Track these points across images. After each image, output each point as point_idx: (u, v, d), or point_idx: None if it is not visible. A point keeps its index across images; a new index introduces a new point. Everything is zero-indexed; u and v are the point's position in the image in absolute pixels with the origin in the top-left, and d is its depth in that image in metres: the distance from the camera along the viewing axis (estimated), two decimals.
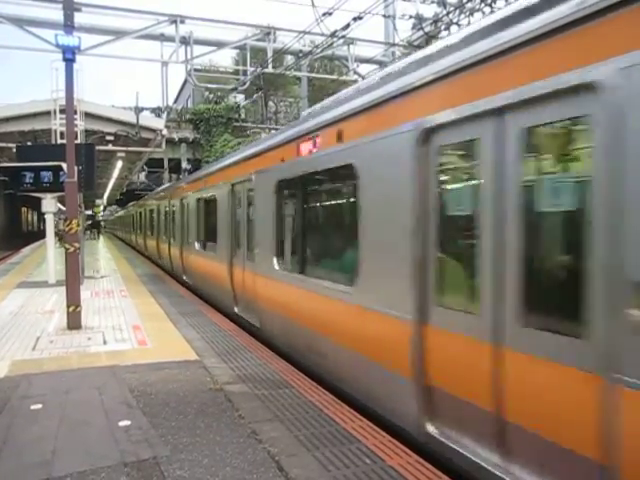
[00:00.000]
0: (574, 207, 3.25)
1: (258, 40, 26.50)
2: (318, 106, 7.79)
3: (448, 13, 15.55)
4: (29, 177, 13.80)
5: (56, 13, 20.65)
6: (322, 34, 17.50)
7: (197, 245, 13.57)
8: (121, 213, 57.79)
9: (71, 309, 9.00)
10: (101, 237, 51.71)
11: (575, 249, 3.18)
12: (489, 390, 3.65)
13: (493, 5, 13.73)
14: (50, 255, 14.91)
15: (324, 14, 15.35)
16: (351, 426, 4.77)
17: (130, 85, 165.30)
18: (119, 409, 5.26)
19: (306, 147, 6.66)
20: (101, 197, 46.60)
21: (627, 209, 2.74)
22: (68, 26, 8.99)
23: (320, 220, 7.44)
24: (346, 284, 5.54)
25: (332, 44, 20.30)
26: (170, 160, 34.21)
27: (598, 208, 2.91)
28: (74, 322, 8.98)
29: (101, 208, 55.53)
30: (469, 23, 14.59)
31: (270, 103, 44.90)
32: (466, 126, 3.93)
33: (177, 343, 7.99)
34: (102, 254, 28.76)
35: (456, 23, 15.06)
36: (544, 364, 3.22)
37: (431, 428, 4.24)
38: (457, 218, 4.26)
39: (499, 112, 3.59)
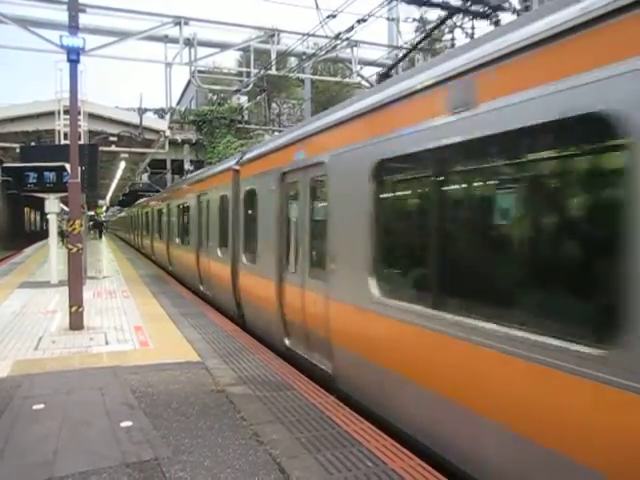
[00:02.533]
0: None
1: (262, 42, 26.51)
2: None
3: (452, 16, 15.55)
4: (32, 177, 13.84)
5: (60, 14, 20.73)
6: (326, 36, 17.52)
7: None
8: (125, 213, 52.24)
9: (73, 309, 9.02)
10: (103, 237, 51.85)
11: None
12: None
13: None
14: (53, 255, 14.94)
15: (328, 17, 15.36)
16: (352, 428, 4.76)
17: (133, 86, 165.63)
18: (121, 410, 5.27)
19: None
20: (104, 198, 46.67)
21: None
22: (73, 27, 9.02)
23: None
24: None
25: (336, 46, 20.31)
26: (173, 161, 34.30)
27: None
28: (76, 322, 9.00)
29: (104, 209, 55.58)
30: (473, 27, 14.60)
31: (273, 105, 44.99)
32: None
33: (179, 344, 8.00)
34: (104, 254, 28.79)
35: (460, 26, 15.05)
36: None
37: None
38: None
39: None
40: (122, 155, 23.06)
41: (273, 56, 25.37)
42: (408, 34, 23.05)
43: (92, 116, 19.00)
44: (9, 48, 23.80)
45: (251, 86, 27.20)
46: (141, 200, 33.29)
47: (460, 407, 3.94)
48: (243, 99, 34.48)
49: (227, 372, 6.54)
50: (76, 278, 9.24)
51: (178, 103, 50.67)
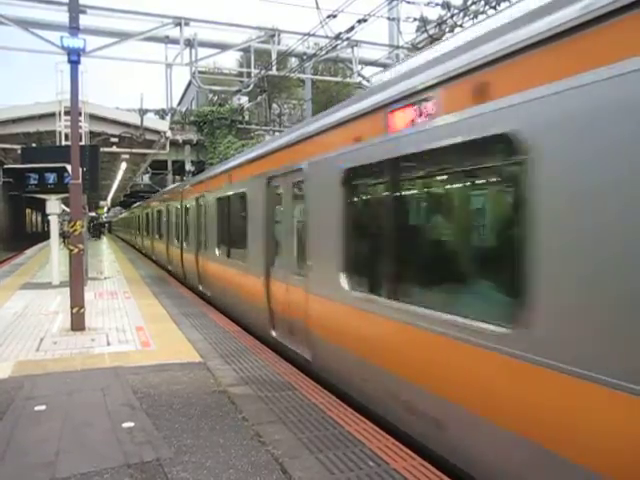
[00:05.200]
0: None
1: (262, 42, 26.53)
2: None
3: (452, 16, 15.55)
4: (34, 178, 13.86)
5: (60, 15, 20.76)
6: (326, 36, 17.53)
7: None
8: (131, 212, 42.76)
9: (75, 310, 9.02)
10: (104, 238, 51.98)
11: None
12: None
13: (497, 8, 13.72)
14: (54, 256, 14.95)
15: (328, 17, 15.37)
16: (354, 428, 4.75)
17: (133, 86, 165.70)
18: (122, 410, 5.26)
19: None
20: (105, 199, 46.74)
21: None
22: (73, 28, 9.02)
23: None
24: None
25: (336, 46, 20.31)
26: (174, 162, 34.30)
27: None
28: (78, 323, 9.00)
29: (105, 209, 55.73)
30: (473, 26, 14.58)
31: (274, 105, 44.95)
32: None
33: (180, 345, 7.99)
34: (106, 255, 28.80)
35: (460, 25, 15.04)
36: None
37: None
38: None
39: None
40: (123, 156, 23.11)
41: (273, 56, 25.38)
42: (409, 34, 23.01)
43: (93, 117, 19.05)
44: (10, 49, 23.84)
45: (252, 86, 27.22)
46: (150, 198, 31.80)
47: None
48: (244, 99, 34.45)
49: (229, 372, 6.53)
50: (77, 279, 9.25)
51: (179, 104, 50.71)
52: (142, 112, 24.84)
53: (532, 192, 3.31)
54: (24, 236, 49.64)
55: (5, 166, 22.82)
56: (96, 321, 9.73)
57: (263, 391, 5.81)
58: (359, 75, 27.18)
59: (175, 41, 24.80)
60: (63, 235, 23.79)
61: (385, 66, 28.43)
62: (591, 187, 2.94)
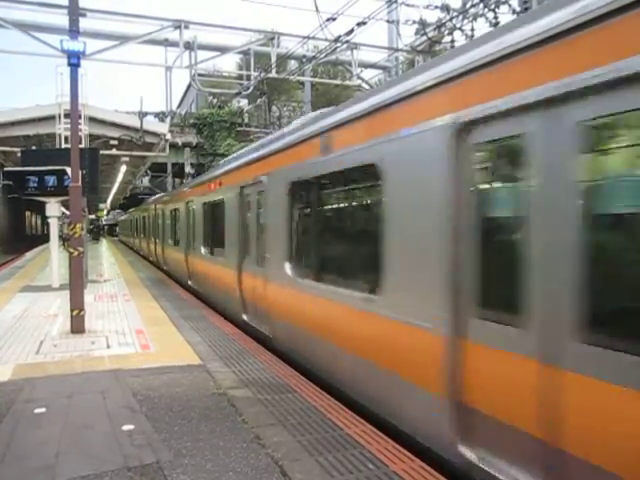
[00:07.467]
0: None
1: (262, 45, 26.61)
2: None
3: (451, 18, 15.58)
4: (33, 181, 13.86)
5: (60, 18, 20.82)
6: (326, 39, 17.54)
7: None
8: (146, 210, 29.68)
9: (75, 313, 9.01)
10: (103, 240, 51.99)
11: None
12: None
13: (497, 10, 13.76)
14: (54, 259, 14.94)
15: (328, 19, 15.39)
16: (354, 431, 4.75)
17: (133, 89, 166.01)
18: (122, 413, 5.26)
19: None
20: (105, 201, 46.74)
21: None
22: (73, 31, 9.03)
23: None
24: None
25: (336, 49, 20.35)
26: (174, 165, 34.33)
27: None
28: (78, 326, 8.99)
29: (105, 212, 55.72)
30: (472, 29, 14.62)
31: (273, 108, 45.01)
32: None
33: (180, 347, 7.99)
34: (105, 258, 28.78)
35: (459, 28, 15.09)
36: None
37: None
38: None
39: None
40: (123, 159, 23.11)
41: (273, 59, 25.45)
42: (408, 37, 23.08)
43: (93, 120, 19.06)
44: (10, 52, 23.90)
45: (251, 89, 27.27)
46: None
47: None
48: (243, 102, 34.52)
49: (228, 375, 6.53)
50: (77, 282, 9.24)
51: (178, 106, 50.77)
52: (142, 115, 24.91)
53: None
54: (24, 238, 49.66)
55: (5, 169, 22.89)
56: (96, 324, 9.72)
57: (263, 394, 5.80)
58: (359, 77, 27.24)
59: (175, 44, 24.88)
60: (63, 238, 23.81)
61: (384, 68, 28.52)
62: None
